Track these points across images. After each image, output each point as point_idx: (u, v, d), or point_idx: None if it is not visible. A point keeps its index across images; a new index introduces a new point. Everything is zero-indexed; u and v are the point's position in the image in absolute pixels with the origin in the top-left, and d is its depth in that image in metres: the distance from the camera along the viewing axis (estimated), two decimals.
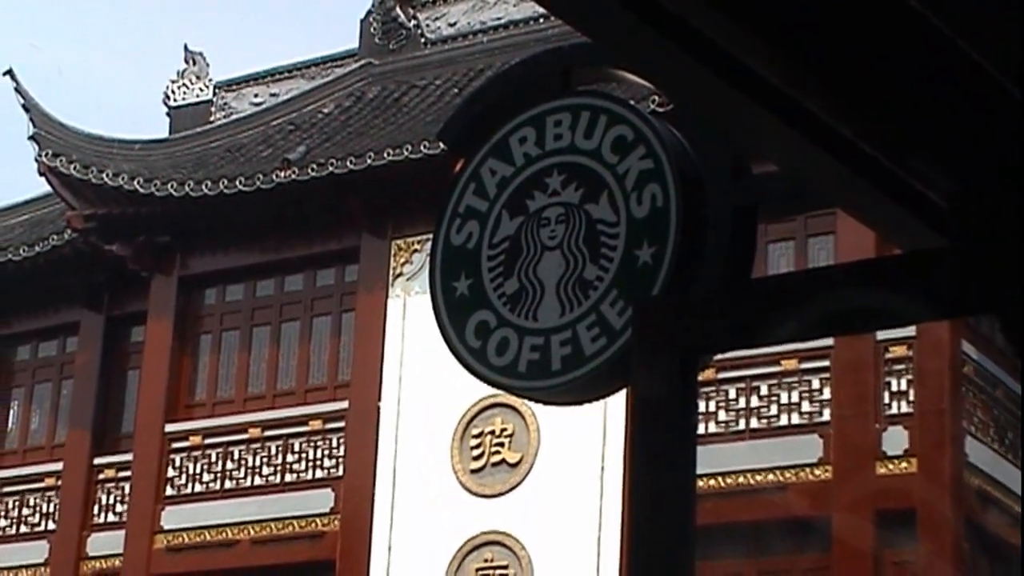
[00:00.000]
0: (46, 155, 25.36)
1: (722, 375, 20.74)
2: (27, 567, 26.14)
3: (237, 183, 24.20)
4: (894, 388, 20.61)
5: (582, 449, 21.47)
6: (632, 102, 3.85)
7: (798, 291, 3.58)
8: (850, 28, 2.98)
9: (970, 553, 20.28)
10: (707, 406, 20.44)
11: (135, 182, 24.83)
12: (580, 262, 3.77)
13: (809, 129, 3.23)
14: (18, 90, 25.95)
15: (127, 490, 25.39)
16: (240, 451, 24.64)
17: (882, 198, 3.43)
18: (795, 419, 20.95)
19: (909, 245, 3.55)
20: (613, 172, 3.76)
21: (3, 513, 26.81)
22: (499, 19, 26.31)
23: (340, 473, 23.68)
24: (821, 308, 3.38)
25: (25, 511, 26.59)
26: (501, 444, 22.44)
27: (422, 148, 22.36)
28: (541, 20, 24.48)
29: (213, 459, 24.80)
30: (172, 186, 24.63)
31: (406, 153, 22.84)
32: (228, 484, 24.60)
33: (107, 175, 24.96)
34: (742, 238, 3.68)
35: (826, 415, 20.79)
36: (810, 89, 3.14)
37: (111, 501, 25.74)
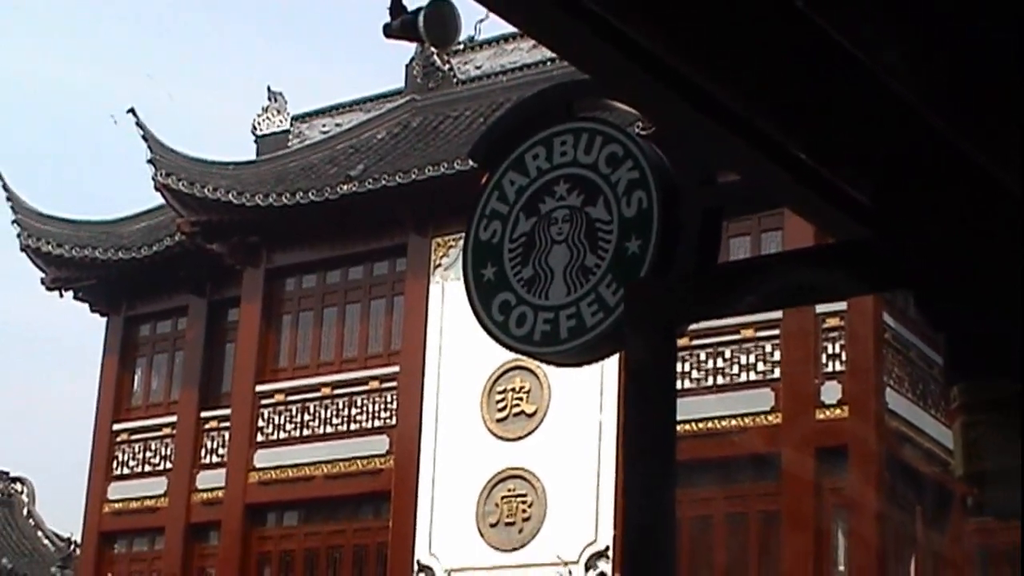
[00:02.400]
0: (160, 174, 25.41)
1: (695, 342, 20.72)
2: (150, 498, 26.26)
3: (310, 195, 24.22)
4: (830, 351, 20.59)
5: (584, 401, 21.48)
6: (622, 126, 3.84)
7: (754, 273, 3.57)
8: (792, 66, 2.98)
9: (890, 480, 20.27)
10: (683, 367, 20.43)
11: (230, 195, 24.87)
12: (582, 253, 3.76)
13: (763, 146, 3.22)
14: (138, 124, 26.00)
15: (227, 437, 25.46)
16: (314, 406, 24.67)
17: (820, 200, 3.43)
18: (752, 376, 20.93)
19: (841, 236, 3.54)
20: (607, 181, 3.74)
21: (131, 455, 26.91)
22: (516, 62, 26.31)
23: (393, 423, 23.70)
24: (772, 286, 3.37)
25: (148, 454, 26.69)
26: (520, 398, 22.44)
27: (455, 165, 22.36)
28: (549, 63, 24.44)
29: (293, 412, 24.85)
30: (259, 198, 24.66)
31: (443, 169, 22.84)
32: (305, 432, 24.65)
33: (208, 190, 25.00)
34: (709, 233, 3.66)
35: (776, 373, 20.77)
36: (763, 114, 3.14)
37: (215, 446, 25.81)
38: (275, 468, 24.63)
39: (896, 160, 3.24)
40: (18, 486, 42.54)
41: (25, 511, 42.14)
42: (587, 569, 21.29)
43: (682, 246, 3.64)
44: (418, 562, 22.70)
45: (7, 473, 42.66)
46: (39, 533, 41.38)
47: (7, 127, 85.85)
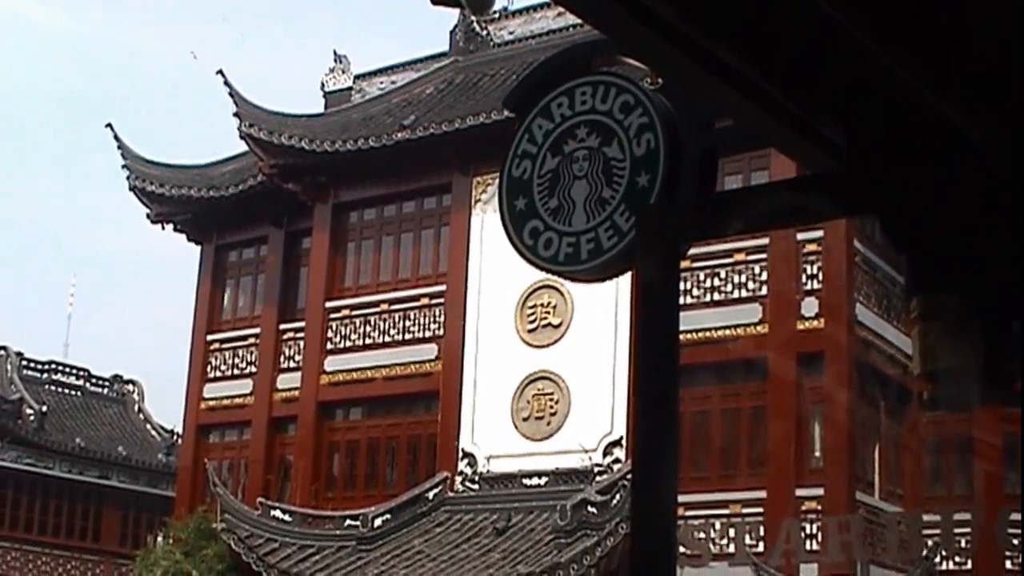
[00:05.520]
0: (244, 125, 25.41)
1: (695, 264, 20.71)
2: (239, 396, 26.49)
3: (370, 141, 24.21)
4: (809, 272, 20.55)
5: (601, 314, 21.53)
6: (633, 79, 3.81)
7: (745, 200, 3.57)
8: (777, 26, 2.96)
9: (859, 380, 20.30)
10: (685, 284, 20.41)
11: (303, 142, 24.87)
12: (599, 186, 3.74)
13: (752, 95, 3.21)
14: (226, 83, 25.95)
15: (302, 345, 25.62)
16: (375, 319, 24.79)
17: (801, 140, 3.41)
18: (743, 293, 20.93)
19: (819, 170, 3.53)
20: (621, 125, 3.72)
21: (222, 361, 27.12)
22: (543, 28, 26.13)
23: (441, 333, 23.81)
24: (760, 210, 3.36)
25: (236, 360, 26.88)
26: (548, 312, 22.50)
27: (492, 115, 22.30)
28: (572, 29, 24.28)
29: (357, 324, 24.98)
30: (327, 144, 24.66)
31: (482, 119, 22.79)
32: (368, 341, 24.79)
33: (284, 138, 25.00)
34: (707, 168, 3.64)
35: (764, 290, 20.76)
36: (752, 68, 3.12)
37: (292, 353, 25.98)
38: (342, 371, 24.81)
39: (865, 106, 3.23)
40: (130, 387, 43.02)
41: (136, 408, 42.64)
42: (604, 455, 21.44)
43: (684, 180, 3.63)
44: (462, 450, 22.89)
45: (121, 376, 43.14)
46: (147, 426, 41.90)
47: (117, 89, 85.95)
